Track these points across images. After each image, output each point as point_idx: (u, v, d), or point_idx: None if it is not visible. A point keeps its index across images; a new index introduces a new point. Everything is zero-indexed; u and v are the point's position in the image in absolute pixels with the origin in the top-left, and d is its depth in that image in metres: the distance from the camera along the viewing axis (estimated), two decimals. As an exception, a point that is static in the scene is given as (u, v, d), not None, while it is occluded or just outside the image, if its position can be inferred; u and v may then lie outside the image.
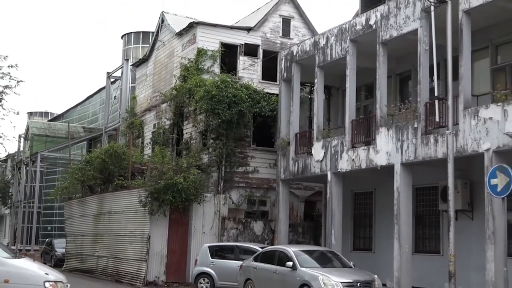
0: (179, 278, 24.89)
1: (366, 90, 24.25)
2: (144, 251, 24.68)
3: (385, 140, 19.76)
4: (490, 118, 16.30)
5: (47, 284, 11.07)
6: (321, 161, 22.57)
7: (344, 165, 21.51)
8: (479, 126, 16.60)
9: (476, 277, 18.05)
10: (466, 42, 17.27)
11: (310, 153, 23.35)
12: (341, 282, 16.73)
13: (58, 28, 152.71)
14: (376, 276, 17.81)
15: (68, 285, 11.72)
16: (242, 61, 29.60)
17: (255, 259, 19.82)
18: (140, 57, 40.16)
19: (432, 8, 17.62)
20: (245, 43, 29.79)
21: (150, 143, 33.30)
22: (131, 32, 51.36)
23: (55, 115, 66.70)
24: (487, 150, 16.33)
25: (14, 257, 11.82)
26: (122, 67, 42.71)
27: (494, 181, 14.29)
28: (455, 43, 16.71)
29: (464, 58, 17.23)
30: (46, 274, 11.31)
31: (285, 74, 25.38)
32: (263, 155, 27.84)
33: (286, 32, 30.67)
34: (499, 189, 14.18)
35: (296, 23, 31.00)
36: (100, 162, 29.53)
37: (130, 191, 26.61)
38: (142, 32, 50.27)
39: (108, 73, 45.30)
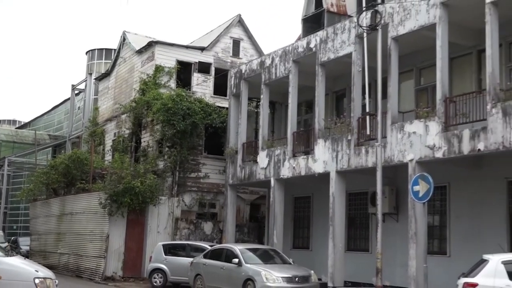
0: (135, 274, 24.56)
1: (306, 105, 24.44)
2: (103, 248, 24.26)
3: (322, 150, 19.95)
4: (414, 132, 16.62)
5: (36, 280, 10.69)
6: (266, 168, 22.64)
7: (286, 172, 21.61)
8: (404, 139, 16.91)
9: (400, 272, 18.29)
10: (394, 65, 17.59)
11: (255, 161, 23.39)
12: (281, 277, 16.81)
13: (27, 41, 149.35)
14: (312, 271, 17.89)
15: (57, 281, 11.36)
16: (196, 77, 29.47)
17: (205, 256, 19.68)
18: (103, 71, 39.52)
19: (365, 34, 17.90)
20: (199, 61, 29.67)
21: (110, 150, 32.79)
22: (95, 49, 50.62)
23: (22, 123, 64.93)
24: (411, 160, 16.65)
25: (6, 255, 11.41)
26: (86, 80, 42.00)
27: (416, 188, 14.56)
28: (384, 65, 17.01)
29: (392, 79, 17.54)
30: (36, 271, 10.94)
31: (234, 90, 25.40)
32: (213, 162, 27.75)
33: (236, 52, 30.68)
34: (420, 195, 14.47)
35: (245, 45, 31.05)
36: (64, 167, 29.01)
37: (91, 193, 26.14)
38: (105, 49, 49.61)
39: (73, 85, 44.49)
